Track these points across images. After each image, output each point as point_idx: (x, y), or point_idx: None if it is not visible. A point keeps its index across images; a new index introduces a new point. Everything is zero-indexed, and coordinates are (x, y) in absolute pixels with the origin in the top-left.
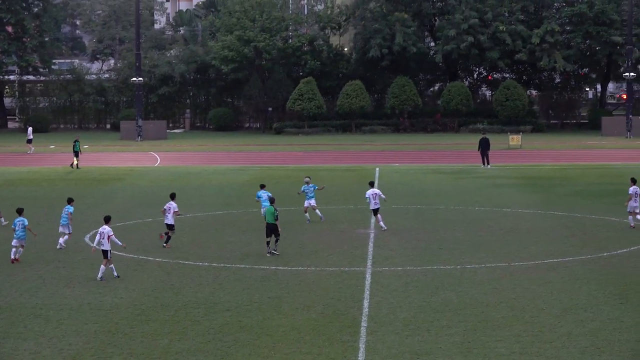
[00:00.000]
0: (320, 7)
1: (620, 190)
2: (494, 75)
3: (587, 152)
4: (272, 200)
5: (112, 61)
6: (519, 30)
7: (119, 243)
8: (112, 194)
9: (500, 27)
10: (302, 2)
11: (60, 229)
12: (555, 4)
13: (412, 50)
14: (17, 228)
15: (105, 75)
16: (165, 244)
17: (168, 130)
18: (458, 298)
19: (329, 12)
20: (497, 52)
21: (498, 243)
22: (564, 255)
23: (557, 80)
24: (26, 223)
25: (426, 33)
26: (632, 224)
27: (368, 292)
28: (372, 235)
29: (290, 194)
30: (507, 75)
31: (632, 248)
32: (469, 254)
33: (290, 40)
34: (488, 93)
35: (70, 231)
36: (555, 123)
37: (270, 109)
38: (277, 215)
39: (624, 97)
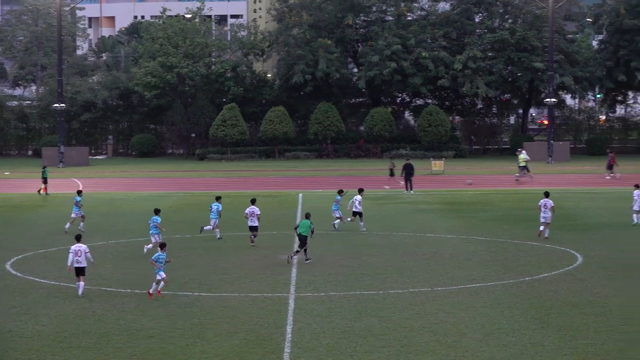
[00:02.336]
0: (243, 33)
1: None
2: (417, 101)
3: (509, 178)
4: (307, 216)
5: (34, 87)
6: (442, 57)
7: (92, 260)
8: (34, 220)
9: (423, 54)
10: (226, 28)
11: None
12: (478, 31)
13: (335, 76)
14: None
15: (27, 102)
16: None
17: (90, 157)
18: (381, 323)
19: (252, 38)
20: (419, 78)
21: (421, 268)
22: (486, 280)
23: (480, 105)
24: None
25: (349, 59)
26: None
27: (291, 318)
28: (295, 260)
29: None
30: (430, 101)
31: (553, 272)
32: (392, 279)
33: (213, 67)
34: (411, 119)
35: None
36: (478, 148)
37: (193, 135)
38: (312, 229)
39: (545, 122)
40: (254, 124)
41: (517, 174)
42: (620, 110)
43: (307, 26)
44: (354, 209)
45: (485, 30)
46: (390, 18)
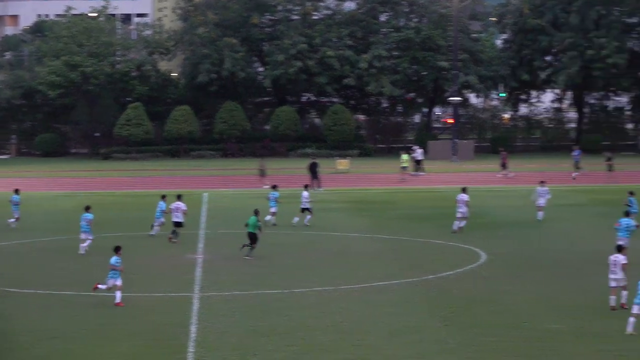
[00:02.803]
0: (148, 32)
1: (445, 213)
2: (323, 100)
3: (423, 177)
4: (256, 212)
5: None
6: (347, 56)
7: None
8: None
9: (329, 53)
10: (131, 27)
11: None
12: (383, 30)
13: (240, 75)
14: None
15: None
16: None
17: None
18: (286, 322)
19: (157, 37)
20: (325, 77)
21: (326, 267)
22: (391, 278)
23: (385, 104)
24: None
25: (255, 58)
26: None
27: (195, 318)
28: (200, 260)
29: (116, 220)
30: (336, 100)
31: (457, 270)
32: (297, 278)
33: (118, 66)
34: (317, 118)
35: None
36: (383, 147)
37: (97, 134)
38: (259, 226)
39: (450, 121)
40: (159, 123)
41: (412, 172)
42: (524, 109)
43: (213, 25)
44: (301, 206)
45: (391, 30)
46: (296, 17)
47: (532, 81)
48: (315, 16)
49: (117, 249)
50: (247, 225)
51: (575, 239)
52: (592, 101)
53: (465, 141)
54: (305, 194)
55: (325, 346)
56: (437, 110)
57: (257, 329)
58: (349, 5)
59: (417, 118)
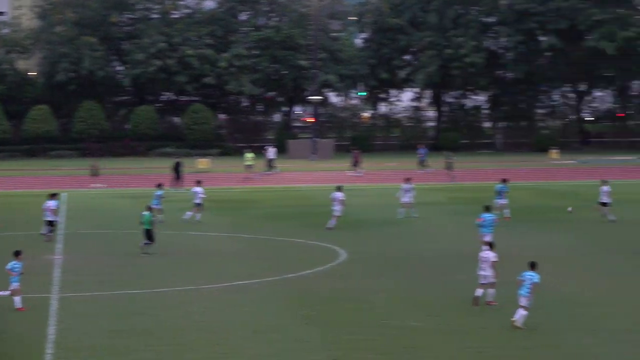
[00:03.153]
0: (6, 30)
1: (306, 212)
2: (182, 99)
3: (275, 175)
4: (149, 209)
5: None
6: (207, 55)
7: None
8: None
9: (188, 52)
10: None
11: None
12: (243, 29)
13: (99, 74)
14: None
15: None
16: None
17: None
18: (147, 322)
19: (14, 35)
20: (185, 76)
21: (188, 266)
22: (252, 278)
23: (245, 103)
24: None
25: (114, 57)
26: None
27: (54, 319)
28: (59, 261)
29: None
30: (196, 99)
31: (318, 269)
32: (159, 278)
33: None
34: (176, 117)
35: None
36: (243, 146)
37: None
38: (152, 221)
39: (310, 120)
40: (17, 123)
41: (263, 171)
42: (383, 108)
43: (71, 23)
44: (195, 201)
45: (251, 29)
46: (156, 16)
47: (391, 80)
48: (175, 15)
49: (17, 253)
50: (141, 223)
51: (435, 237)
52: (451, 100)
53: (325, 140)
54: (198, 189)
55: (189, 346)
56: (297, 109)
57: (119, 330)
58: (209, 4)
59: (277, 117)
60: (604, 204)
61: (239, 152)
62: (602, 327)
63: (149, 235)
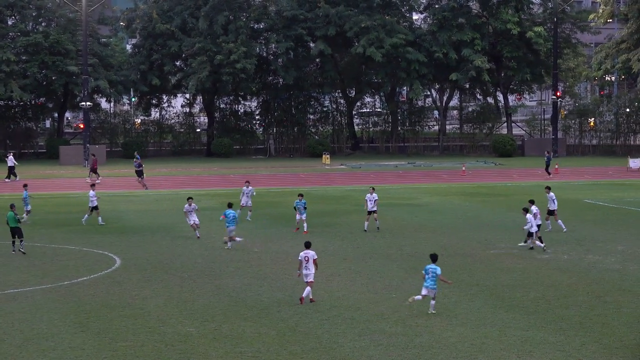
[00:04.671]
0: None
1: (79, 218)
2: None
3: (46, 182)
4: (11, 207)
5: None
6: None
7: None
8: None
9: None
10: None
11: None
12: (11, 34)
13: None
14: None
15: None
16: None
17: None
18: None
19: None
20: None
21: None
22: (24, 285)
23: (15, 109)
24: None
25: None
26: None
27: None
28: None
29: None
30: None
31: (92, 276)
32: None
33: None
34: None
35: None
36: (13, 152)
37: None
38: (19, 219)
39: (82, 126)
40: None
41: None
42: (155, 114)
43: None
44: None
45: (19, 34)
46: None
47: (163, 86)
48: None
49: None
50: (7, 222)
51: (206, 242)
52: (223, 105)
53: (97, 146)
54: (91, 192)
55: None
56: (69, 115)
57: None
58: None
59: (48, 123)
60: (371, 212)
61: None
62: (373, 329)
63: (17, 232)
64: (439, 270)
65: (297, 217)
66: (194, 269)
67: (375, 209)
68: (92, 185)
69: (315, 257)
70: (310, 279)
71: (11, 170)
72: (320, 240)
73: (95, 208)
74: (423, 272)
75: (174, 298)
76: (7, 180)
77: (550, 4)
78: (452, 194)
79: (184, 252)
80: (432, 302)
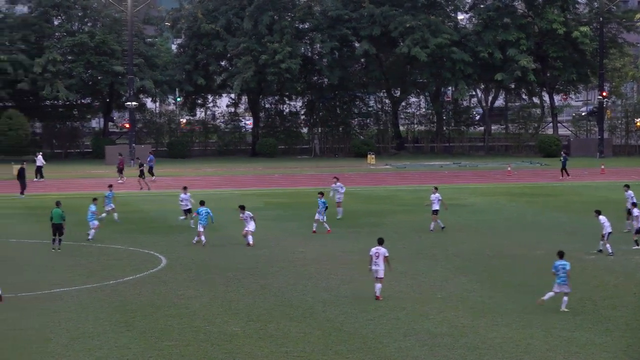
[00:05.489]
0: None
1: (125, 218)
2: None
3: (93, 181)
4: (57, 204)
5: None
6: (21, 60)
7: None
8: None
9: (1, 57)
10: None
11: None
12: (57, 34)
13: None
14: None
15: None
16: None
17: None
18: None
19: None
20: None
21: (3, 274)
22: (70, 285)
23: (61, 109)
24: None
25: None
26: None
27: None
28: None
29: None
30: (10, 104)
31: (138, 275)
32: None
33: None
34: None
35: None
36: (60, 152)
37: None
38: (64, 217)
39: (127, 125)
40: None
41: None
42: (200, 114)
43: None
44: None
45: (65, 34)
46: None
47: (208, 86)
48: None
49: None
50: (51, 218)
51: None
52: (268, 105)
53: (142, 146)
54: (183, 195)
55: (4, 356)
56: (114, 115)
57: None
58: (21, 9)
59: (93, 123)
60: (436, 212)
61: (55, 159)
62: (418, 329)
63: (58, 229)
64: (568, 266)
65: (317, 217)
66: (239, 269)
67: (438, 208)
68: (184, 188)
69: (387, 254)
70: (380, 274)
71: (39, 170)
72: (366, 240)
73: (189, 211)
74: (553, 270)
75: (219, 297)
76: (35, 180)
77: (596, 3)
78: (498, 194)
79: (229, 251)
80: (565, 298)
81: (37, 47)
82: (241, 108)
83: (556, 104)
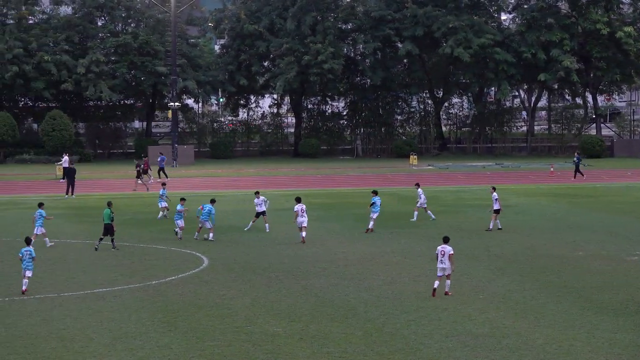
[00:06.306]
0: None
1: (170, 218)
2: (40, 105)
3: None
4: (109, 204)
5: None
6: (65, 60)
7: None
8: None
9: (45, 57)
10: None
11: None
12: (100, 35)
13: None
14: None
15: None
16: None
17: None
18: (6, 331)
19: None
20: (42, 82)
21: (47, 273)
22: (112, 285)
23: (103, 109)
24: None
25: None
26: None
27: None
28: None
29: None
30: (54, 105)
31: (180, 275)
32: (17, 285)
33: None
34: (34, 123)
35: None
36: (103, 153)
37: None
38: (112, 217)
39: (169, 116)
40: None
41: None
42: (243, 114)
43: None
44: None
45: (108, 34)
46: (11, 21)
47: (250, 86)
48: (31, 20)
49: None
50: (103, 218)
51: (292, 242)
52: (310, 106)
53: (185, 146)
54: (257, 200)
55: (47, 354)
56: (157, 116)
57: None
58: (65, 10)
59: (136, 123)
60: (497, 211)
61: (98, 159)
62: (460, 330)
63: (109, 229)
64: None
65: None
66: (281, 269)
67: (499, 207)
68: (257, 193)
69: (452, 252)
70: (447, 272)
71: (65, 171)
72: (408, 240)
73: (263, 213)
74: None
75: (261, 298)
76: (62, 180)
77: None
78: (540, 194)
79: (270, 252)
80: None
81: (80, 48)
82: (284, 108)
83: (599, 104)
